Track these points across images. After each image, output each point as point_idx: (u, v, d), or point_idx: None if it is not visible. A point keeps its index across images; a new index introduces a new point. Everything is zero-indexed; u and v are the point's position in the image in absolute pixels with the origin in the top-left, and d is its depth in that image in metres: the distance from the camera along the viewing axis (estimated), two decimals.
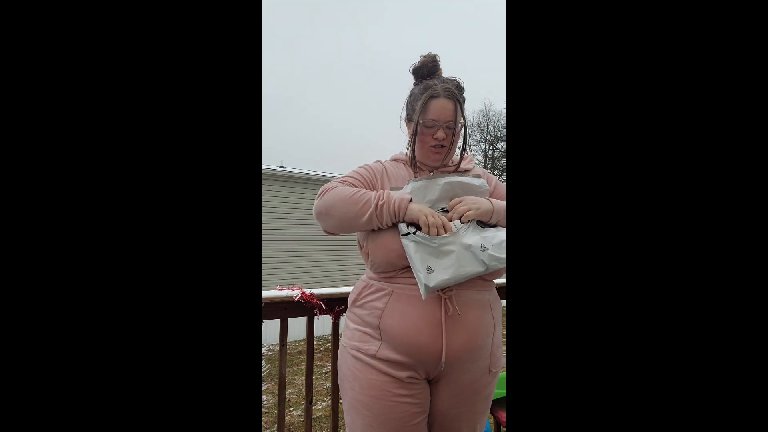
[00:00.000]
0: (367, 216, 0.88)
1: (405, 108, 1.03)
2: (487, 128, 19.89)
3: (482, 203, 0.93)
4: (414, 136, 0.98)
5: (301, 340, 5.80)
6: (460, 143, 1.02)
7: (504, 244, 0.87)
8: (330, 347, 1.38)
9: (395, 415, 0.88)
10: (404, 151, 1.05)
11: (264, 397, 4.06)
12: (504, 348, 1.13)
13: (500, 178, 1.14)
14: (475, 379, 0.94)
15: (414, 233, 0.86)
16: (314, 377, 1.53)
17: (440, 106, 0.94)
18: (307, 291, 1.23)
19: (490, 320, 0.95)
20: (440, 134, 0.95)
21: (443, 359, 0.87)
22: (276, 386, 1.27)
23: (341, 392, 0.99)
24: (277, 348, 1.30)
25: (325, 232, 0.99)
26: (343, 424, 1.15)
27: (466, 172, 1.04)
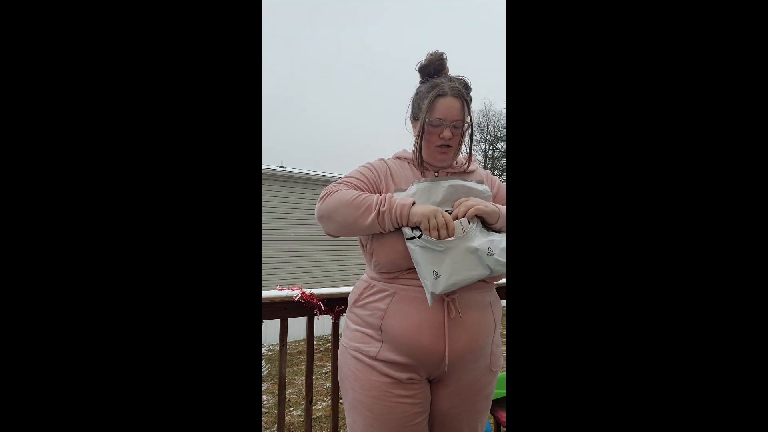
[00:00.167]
0: (369, 221, 0.87)
1: (411, 106, 1.01)
2: (487, 128, 19.90)
3: (488, 204, 0.92)
4: (420, 135, 0.96)
5: (301, 340, 5.80)
6: (466, 143, 1.00)
7: None
8: (330, 347, 1.38)
9: (396, 415, 0.88)
10: (408, 150, 1.04)
11: (264, 397, 4.06)
12: (503, 348, 1.13)
13: (500, 179, 1.13)
14: (476, 379, 0.94)
15: (419, 237, 0.85)
16: (314, 377, 1.53)
17: (447, 105, 0.92)
18: (307, 291, 1.23)
19: (491, 321, 0.95)
20: (446, 133, 0.93)
21: (446, 361, 0.87)
22: (276, 386, 1.26)
23: (342, 392, 0.99)
24: (277, 348, 1.30)
25: (327, 234, 0.98)
26: (343, 424, 1.15)
27: (469, 174, 1.03)
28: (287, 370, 1.63)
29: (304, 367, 2.13)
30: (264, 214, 6.77)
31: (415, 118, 1.00)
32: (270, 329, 5.58)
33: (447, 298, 0.88)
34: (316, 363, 4.94)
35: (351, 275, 7.78)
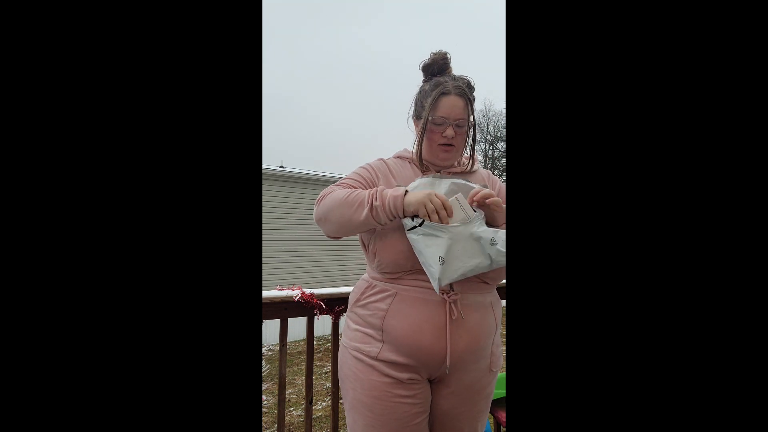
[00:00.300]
0: (363, 217, 0.86)
1: (413, 105, 1.01)
2: (487, 128, 19.90)
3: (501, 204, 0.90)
4: (422, 133, 0.95)
5: (301, 340, 5.80)
6: (468, 143, 1.00)
7: None
8: (330, 347, 1.38)
9: (396, 415, 0.88)
10: (409, 149, 1.03)
11: (264, 397, 4.06)
12: (503, 348, 1.13)
13: (500, 179, 1.12)
14: (476, 379, 0.94)
15: (420, 224, 0.84)
16: (314, 377, 1.53)
17: (451, 104, 0.92)
18: (307, 291, 1.23)
19: (492, 321, 0.95)
20: (449, 132, 0.93)
21: (447, 362, 0.87)
22: (276, 386, 1.27)
23: (342, 392, 0.99)
24: (277, 348, 1.30)
25: (328, 237, 0.98)
26: (343, 424, 1.15)
27: (471, 174, 1.03)
28: (287, 370, 1.63)
29: (304, 367, 2.13)
30: (264, 214, 6.77)
31: (417, 116, 0.99)
32: (270, 329, 5.58)
33: (449, 299, 0.88)
34: (316, 363, 4.94)
35: (351, 275, 7.78)
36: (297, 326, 4.70)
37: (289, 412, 3.73)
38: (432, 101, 0.93)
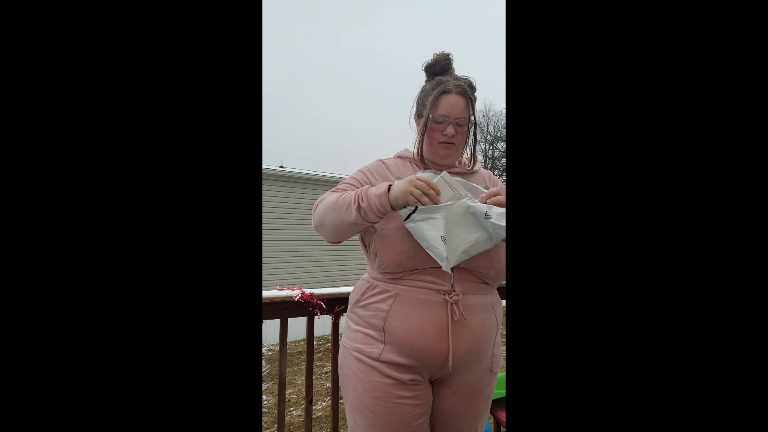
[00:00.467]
0: (353, 219, 0.86)
1: (415, 104, 1.01)
2: (487, 128, 19.91)
3: None
4: (423, 131, 0.96)
5: (301, 340, 5.80)
6: (469, 143, 1.00)
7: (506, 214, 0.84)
8: (330, 347, 1.38)
9: (398, 416, 0.88)
10: (410, 149, 1.04)
11: (264, 397, 4.06)
12: (503, 348, 1.13)
13: (500, 178, 1.13)
14: (477, 380, 0.94)
15: (414, 210, 0.84)
16: (314, 377, 1.53)
17: (451, 102, 0.93)
18: (307, 291, 1.23)
19: (493, 322, 0.95)
20: (450, 130, 0.93)
21: (450, 363, 0.87)
22: (276, 386, 1.27)
23: (343, 393, 0.98)
24: (277, 348, 1.30)
25: (329, 242, 0.99)
26: (343, 424, 1.15)
27: (472, 174, 1.03)
28: (287, 370, 1.63)
29: (304, 367, 2.13)
30: (264, 214, 6.77)
31: (419, 115, 1.00)
32: (270, 329, 5.58)
33: (450, 300, 0.88)
34: (316, 363, 4.94)
35: (351, 275, 7.78)
36: (297, 326, 4.70)
37: (289, 412, 3.73)
38: (433, 99, 0.93)
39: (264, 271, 5.89)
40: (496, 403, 1.57)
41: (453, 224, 0.84)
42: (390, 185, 0.85)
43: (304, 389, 2.03)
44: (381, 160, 1.04)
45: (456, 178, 0.95)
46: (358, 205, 0.86)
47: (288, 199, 7.49)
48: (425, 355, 0.87)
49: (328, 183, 8.01)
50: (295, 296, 1.20)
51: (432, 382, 0.94)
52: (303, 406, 3.74)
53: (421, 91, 1.00)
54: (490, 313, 0.94)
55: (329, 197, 0.93)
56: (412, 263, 0.88)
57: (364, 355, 0.91)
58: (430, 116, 0.94)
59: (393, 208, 0.85)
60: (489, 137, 19.95)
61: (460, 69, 1.01)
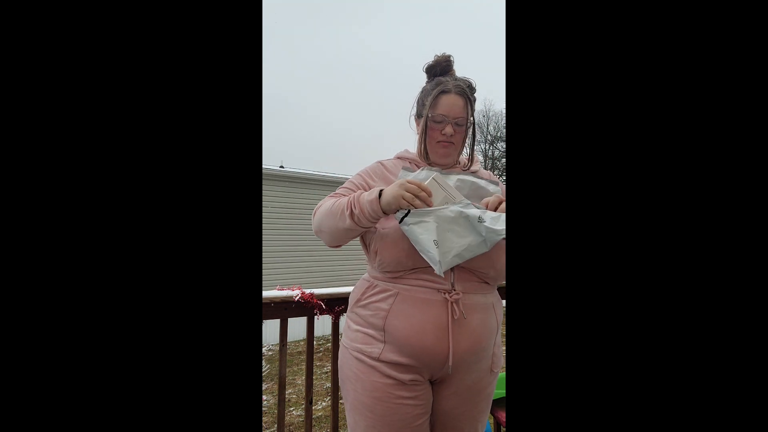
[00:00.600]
0: (348, 224, 0.88)
1: (415, 104, 1.03)
2: (487, 128, 19.91)
3: None
4: (424, 131, 0.97)
5: (301, 340, 5.80)
6: (468, 142, 1.01)
7: (501, 218, 0.83)
8: (330, 347, 1.38)
9: (398, 416, 0.88)
10: (410, 150, 1.05)
11: (264, 397, 4.06)
12: (504, 348, 1.13)
13: (500, 178, 1.13)
14: (477, 380, 0.94)
15: (408, 213, 0.84)
16: (314, 377, 1.53)
17: (450, 102, 0.94)
18: (307, 291, 1.23)
19: (494, 322, 0.95)
20: (448, 129, 0.94)
21: (450, 362, 0.87)
22: (276, 386, 1.27)
23: (343, 393, 0.98)
24: (277, 348, 1.30)
25: (330, 247, 1.00)
26: (343, 424, 1.15)
27: (473, 173, 1.04)
28: (287, 370, 1.63)
29: (304, 367, 2.13)
30: (264, 214, 6.76)
31: (419, 115, 1.01)
32: (270, 329, 5.58)
33: (450, 299, 0.88)
34: (316, 363, 4.94)
35: (351, 275, 7.78)
36: (297, 326, 4.70)
37: (289, 412, 3.74)
38: (432, 99, 0.94)
39: (264, 271, 5.89)
40: (496, 403, 1.57)
41: (445, 228, 0.84)
42: (381, 190, 0.86)
43: (304, 389, 2.03)
44: (380, 162, 1.05)
45: (462, 176, 0.95)
46: (351, 211, 0.87)
47: (288, 199, 7.49)
48: (425, 355, 0.87)
49: (328, 183, 8.01)
50: (295, 296, 1.20)
51: (432, 382, 0.94)
52: (303, 406, 3.74)
53: (421, 92, 1.01)
54: (490, 313, 0.94)
55: (326, 203, 0.95)
56: (412, 261, 0.88)
57: (364, 355, 0.91)
58: (429, 115, 0.95)
59: (385, 213, 0.86)
60: (489, 137, 19.95)
61: (460, 69, 1.02)
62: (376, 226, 0.93)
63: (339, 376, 0.99)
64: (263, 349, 5.73)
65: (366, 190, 0.97)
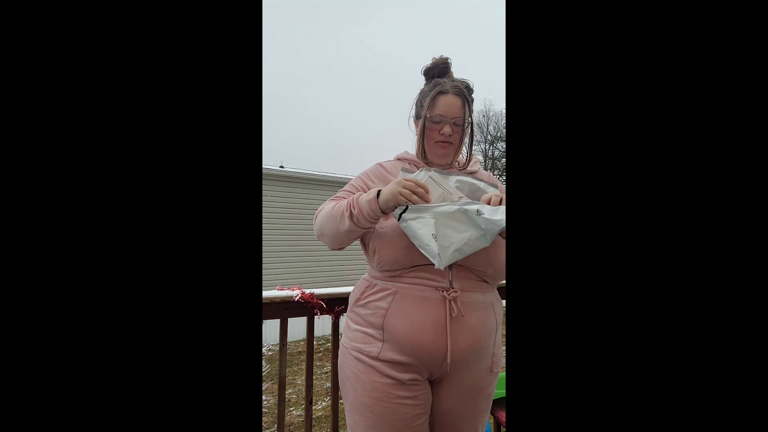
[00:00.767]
0: (348, 226, 0.89)
1: (414, 106, 1.04)
2: (487, 128, 19.91)
3: None
4: (422, 131, 0.98)
5: (301, 340, 5.80)
6: (466, 142, 1.02)
7: (500, 209, 0.83)
8: (330, 347, 1.38)
9: (398, 416, 0.88)
10: (409, 151, 1.06)
11: (264, 397, 4.06)
12: (504, 348, 1.13)
13: (500, 178, 1.13)
14: (477, 380, 0.94)
15: (405, 210, 0.84)
16: (314, 377, 1.53)
17: (448, 102, 0.95)
18: (307, 291, 1.23)
19: (493, 321, 0.95)
20: (447, 129, 0.95)
21: (448, 360, 0.87)
22: (276, 386, 1.27)
23: (343, 394, 0.99)
24: (277, 348, 1.30)
25: (332, 249, 1.01)
26: (343, 424, 1.15)
27: (472, 174, 1.04)
28: (287, 370, 1.63)
29: (304, 367, 2.14)
30: (264, 214, 6.77)
31: (417, 116, 1.02)
32: (270, 329, 5.59)
33: (448, 297, 0.88)
34: (316, 363, 4.94)
35: (351, 275, 7.79)
36: (297, 326, 4.71)
37: (289, 412, 3.74)
38: (430, 100, 0.96)
39: (264, 271, 5.89)
40: (496, 403, 1.57)
41: (443, 224, 0.84)
42: (379, 190, 0.87)
43: (304, 389, 2.03)
44: (380, 164, 1.06)
45: (461, 177, 0.95)
46: (350, 213, 0.88)
47: (288, 199, 7.50)
48: (424, 353, 0.87)
49: (328, 183, 8.02)
50: (295, 296, 1.20)
51: (432, 382, 0.94)
52: (303, 406, 3.74)
53: (420, 94, 1.03)
54: (489, 312, 0.94)
55: (326, 207, 0.97)
56: (410, 259, 0.89)
57: (363, 354, 0.91)
58: (428, 116, 0.96)
59: (384, 212, 0.86)
60: (489, 137, 19.95)
61: (459, 69, 1.03)
62: (375, 226, 0.93)
63: (339, 376, 1.00)
64: (263, 349, 5.73)
65: (365, 190, 0.98)
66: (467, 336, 0.89)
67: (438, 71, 1.02)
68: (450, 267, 0.90)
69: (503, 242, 0.94)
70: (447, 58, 1.03)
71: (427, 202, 0.84)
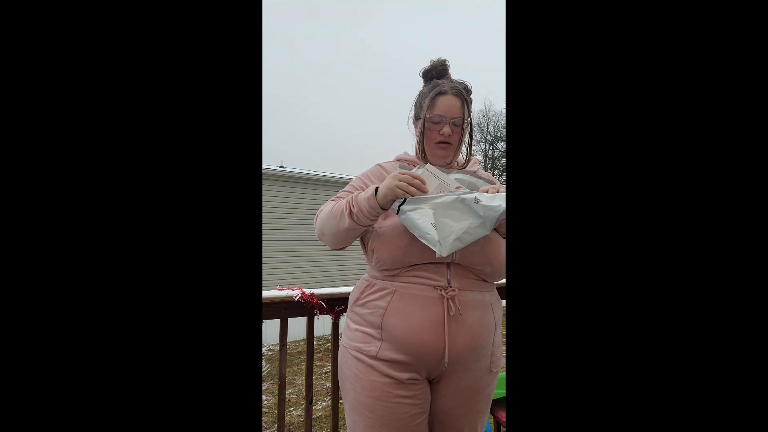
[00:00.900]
0: (348, 225, 0.90)
1: (413, 107, 1.05)
2: (487, 128, 19.90)
3: None
4: (422, 132, 0.99)
5: (301, 340, 5.80)
6: (466, 142, 1.03)
7: (498, 196, 0.83)
8: (330, 347, 1.38)
9: (397, 415, 0.88)
10: (409, 152, 1.07)
11: (264, 397, 4.06)
12: (504, 348, 1.13)
13: (500, 178, 1.14)
14: (476, 379, 0.94)
15: (403, 202, 0.84)
16: (314, 377, 1.53)
17: (447, 103, 0.96)
18: (307, 291, 1.23)
19: (492, 321, 0.95)
20: (446, 130, 0.96)
21: (446, 359, 0.88)
22: (276, 386, 1.27)
23: (342, 393, 0.99)
24: (277, 348, 1.30)
25: (333, 249, 1.02)
26: (343, 424, 1.15)
27: (471, 173, 1.04)
28: (287, 370, 1.63)
29: (304, 367, 2.14)
30: (264, 214, 6.77)
31: (417, 117, 1.03)
32: (270, 329, 5.58)
33: (446, 295, 0.88)
34: (316, 363, 4.94)
35: (351, 275, 7.79)
36: (297, 326, 4.71)
37: (289, 412, 3.74)
38: (429, 100, 0.97)
39: (264, 271, 5.89)
40: (496, 403, 1.57)
41: (442, 214, 0.84)
42: (377, 187, 0.87)
43: (304, 389, 2.03)
44: (379, 165, 1.06)
45: (460, 175, 0.96)
46: (350, 211, 0.89)
47: (288, 199, 7.50)
48: (422, 351, 0.88)
49: (328, 183, 8.02)
50: (295, 296, 1.20)
51: (431, 382, 0.94)
52: (303, 406, 3.74)
53: (419, 95, 1.04)
54: (487, 311, 0.94)
55: (327, 207, 0.98)
56: (409, 258, 0.89)
57: (362, 354, 0.92)
58: (427, 116, 0.97)
59: (383, 208, 0.87)
60: (489, 137, 19.94)
61: (459, 70, 1.04)
62: (374, 225, 0.94)
63: (338, 376, 1.00)
64: (263, 349, 5.73)
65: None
66: (465, 335, 0.89)
67: (436, 73, 1.03)
68: (448, 266, 0.91)
69: (501, 240, 0.95)
70: (445, 60, 1.04)
71: (424, 193, 0.85)
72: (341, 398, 1.02)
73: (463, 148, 1.03)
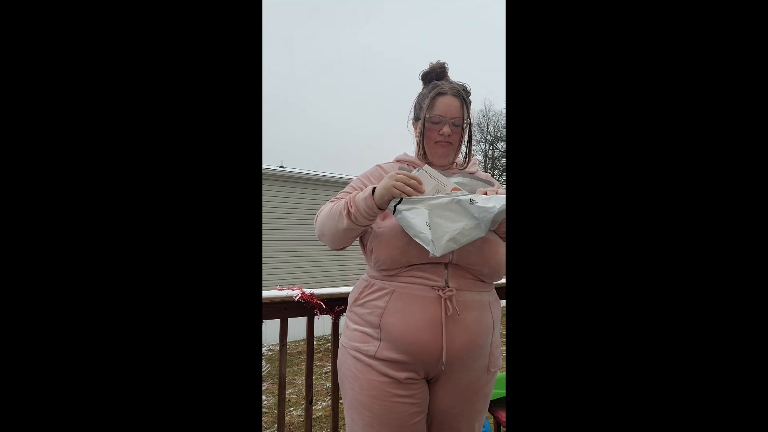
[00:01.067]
0: (346, 225, 0.90)
1: (412, 109, 1.06)
2: (487, 128, 19.90)
3: None
4: (422, 133, 1.00)
5: (301, 340, 5.80)
6: (465, 142, 1.03)
7: (493, 198, 0.83)
8: (330, 347, 1.38)
9: (395, 414, 0.88)
10: (408, 153, 1.07)
11: (264, 397, 4.06)
12: (503, 348, 1.13)
13: (500, 179, 1.15)
14: (474, 379, 0.95)
15: (399, 201, 0.85)
16: (314, 377, 1.53)
17: (447, 103, 0.97)
18: (307, 291, 1.23)
19: (490, 320, 0.95)
20: (446, 130, 0.97)
21: (444, 359, 0.88)
22: (276, 386, 1.27)
23: (341, 392, 0.99)
24: (277, 348, 1.30)
25: (333, 250, 1.02)
26: (343, 424, 1.15)
27: (471, 174, 1.05)
28: (287, 370, 1.63)
29: (304, 367, 2.14)
30: (264, 214, 6.77)
31: (416, 118, 1.04)
32: (270, 329, 5.58)
33: (444, 295, 0.89)
34: (316, 363, 4.94)
35: (351, 275, 7.79)
36: (297, 326, 4.70)
37: (289, 412, 3.74)
38: (429, 101, 0.98)
39: (264, 271, 5.89)
40: (496, 403, 1.57)
41: (437, 215, 0.84)
42: (374, 187, 0.88)
43: (304, 389, 2.03)
44: (379, 165, 1.07)
45: (460, 178, 0.95)
46: (348, 211, 0.89)
47: (288, 199, 7.50)
48: (420, 351, 0.88)
49: (328, 183, 8.02)
50: (295, 296, 1.20)
51: (429, 381, 0.95)
52: (303, 406, 3.74)
53: (418, 96, 1.05)
54: (485, 311, 0.94)
55: (326, 207, 0.98)
56: (407, 258, 0.90)
57: (361, 353, 0.92)
58: (427, 116, 0.98)
59: (380, 208, 0.87)
60: (489, 137, 19.94)
61: (459, 69, 1.05)
62: (372, 226, 0.95)
63: (338, 376, 1.00)
64: (263, 349, 5.73)
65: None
66: (463, 334, 0.89)
67: (435, 75, 1.04)
68: (446, 266, 0.91)
69: (499, 241, 0.95)
70: (444, 63, 1.05)
71: (420, 192, 0.85)
72: (341, 398, 1.03)
73: (463, 149, 1.03)
